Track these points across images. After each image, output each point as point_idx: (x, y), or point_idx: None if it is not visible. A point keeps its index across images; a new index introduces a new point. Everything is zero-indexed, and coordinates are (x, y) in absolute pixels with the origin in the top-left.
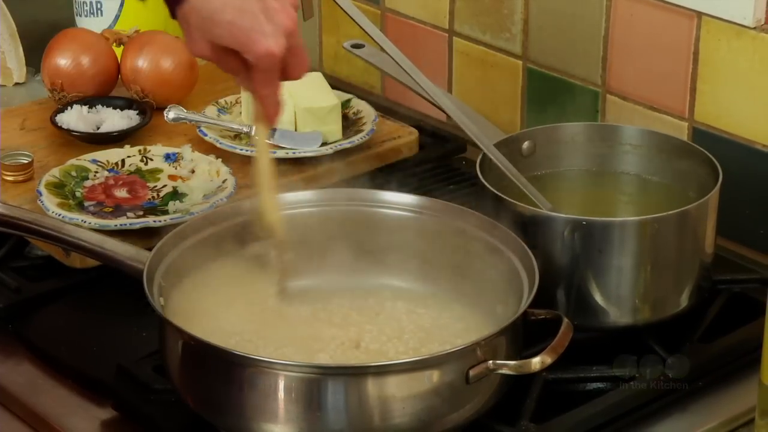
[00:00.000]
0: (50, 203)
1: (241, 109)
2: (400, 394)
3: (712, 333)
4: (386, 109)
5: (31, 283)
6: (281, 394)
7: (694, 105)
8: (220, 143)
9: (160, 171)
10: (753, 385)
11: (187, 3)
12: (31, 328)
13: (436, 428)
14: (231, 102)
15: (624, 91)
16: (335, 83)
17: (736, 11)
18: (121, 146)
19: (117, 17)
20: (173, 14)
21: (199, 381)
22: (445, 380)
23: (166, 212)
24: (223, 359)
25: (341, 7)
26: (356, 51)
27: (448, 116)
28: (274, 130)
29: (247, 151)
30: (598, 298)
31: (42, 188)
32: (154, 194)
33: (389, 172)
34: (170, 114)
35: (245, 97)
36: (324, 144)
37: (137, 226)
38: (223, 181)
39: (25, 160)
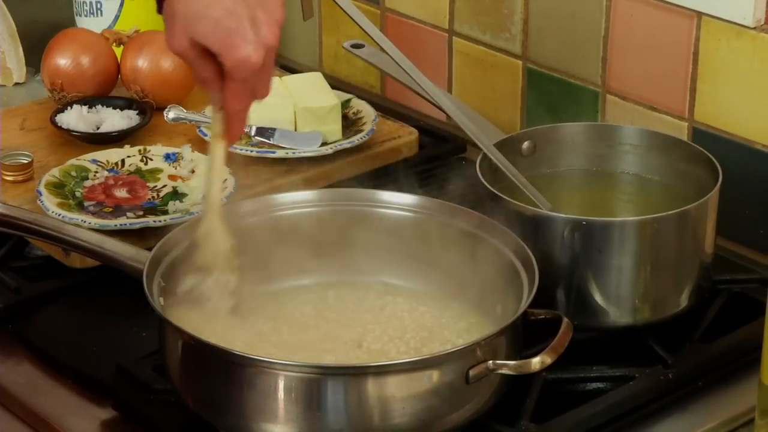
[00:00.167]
0: (50, 203)
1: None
2: (399, 394)
3: (712, 333)
4: (386, 109)
5: (30, 283)
6: (281, 394)
7: (693, 105)
8: None
9: (160, 171)
10: (753, 385)
11: None
12: (31, 328)
13: (436, 428)
14: None
15: (624, 91)
16: (335, 83)
17: (735, 11)
18: (121, 146)
19: (117, 17)
20: (160, 8)
21: (198, 381)
22: (445, 380)
23: (166, 212)
24: (222, 359)
25: (341, 7)
26: (356, 51)
27: (448, 116)
28: (273, 130)
29: (247, 151)
30: (598, 298)
31: (42, 188)
32: (154, 194)
33: (389, 172)
34: (170, 114)
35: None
36: (324, 144)
37: (137, 226)
38: (223, 181)
39: (24, 160)
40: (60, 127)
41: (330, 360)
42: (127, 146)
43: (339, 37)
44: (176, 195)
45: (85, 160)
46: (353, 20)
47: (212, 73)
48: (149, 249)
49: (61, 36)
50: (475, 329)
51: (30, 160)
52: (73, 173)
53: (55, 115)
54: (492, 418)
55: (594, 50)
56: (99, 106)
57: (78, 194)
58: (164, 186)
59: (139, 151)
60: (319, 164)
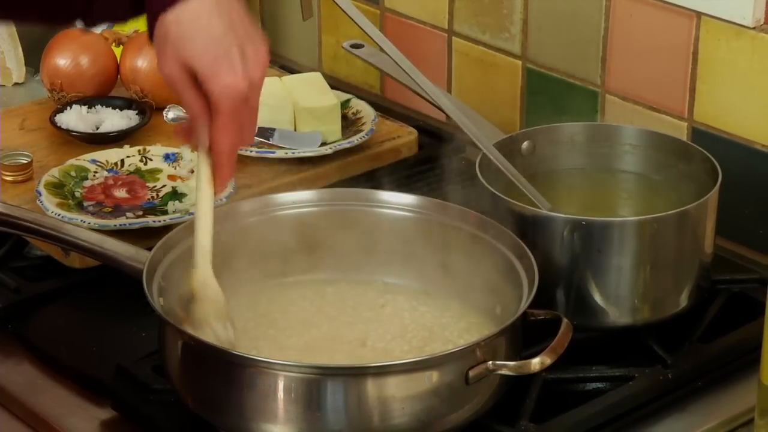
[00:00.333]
0: (50, 203)
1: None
2: (399, 394)
3: (711, 333)
4: (386, 109)
5: (30, 283)
6: (281, 394)
7: (693, 105)
8: None
9: (159, 171)
10: (753, 385)
11: (173, 12)
12: (31, 328)
13: (436, 428)
14: None
15: (623, 91)
16: (335, 83)
17: (735, 11)
18: (121, 146)
19: None
20: (151, 34)
21: (198, 381)
22: (445, 381)
23: (165, 212)
24: (222, 359)
25: (341, 7)
26: (356, 51)
27: (448, 116)
28: (273, 130)
29: (246, 151)
30: (598, 298)
31: (41, 188)
32: (154, 194)
33: (389, 172)
34: (170, 114)
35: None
36: (323, 144)
37: (137, 226)
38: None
39: (24, 160)
40: (59, 127)
41: (339, 359)
42: (126, 146)
43: (338, 37)
44: (176, 195)
45: (85, 160)
46: (353, 20)
47: (200, 107)
48: (149, 249)
49: (60, 36)
50: (475, 329)
51: (29, 160)
52: (73, 173)
53: (55, 115)
54: (492, 419)
55: (594, 50)
56: (98, 106)
57: (77, 194)
58: (164, 186)
59: (139, 151)
60: (319, 164)
